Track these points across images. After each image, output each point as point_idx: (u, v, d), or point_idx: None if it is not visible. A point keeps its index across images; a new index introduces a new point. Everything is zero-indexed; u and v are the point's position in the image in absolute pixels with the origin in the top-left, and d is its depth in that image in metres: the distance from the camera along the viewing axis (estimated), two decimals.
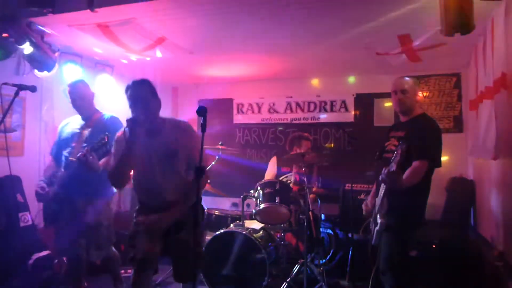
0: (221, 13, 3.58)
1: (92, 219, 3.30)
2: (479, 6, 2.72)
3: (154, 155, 2.80)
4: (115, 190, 3.66)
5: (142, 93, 2.80)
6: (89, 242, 3.37)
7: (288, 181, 4.76)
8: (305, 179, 4.27)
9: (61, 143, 3.50)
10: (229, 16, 3.70)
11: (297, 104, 6.30)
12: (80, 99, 3.49)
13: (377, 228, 2.99)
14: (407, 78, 3.20)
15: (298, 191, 4.59)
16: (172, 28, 4.02)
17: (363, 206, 3.38)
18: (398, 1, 3.33)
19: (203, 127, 2.75)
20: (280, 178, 4.80)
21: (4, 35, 3.53)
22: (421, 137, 2.94)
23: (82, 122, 3.50)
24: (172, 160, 2.82)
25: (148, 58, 4.83)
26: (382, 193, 2.95)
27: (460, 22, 2.58)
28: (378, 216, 2.99)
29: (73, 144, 3.36)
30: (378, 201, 3.06)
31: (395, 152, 2.76)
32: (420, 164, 2.88)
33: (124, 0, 3.30)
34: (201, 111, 2.76)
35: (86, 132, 3.40)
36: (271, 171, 5.22)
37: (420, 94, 3.18)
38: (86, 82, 3.66)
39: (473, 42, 4.08)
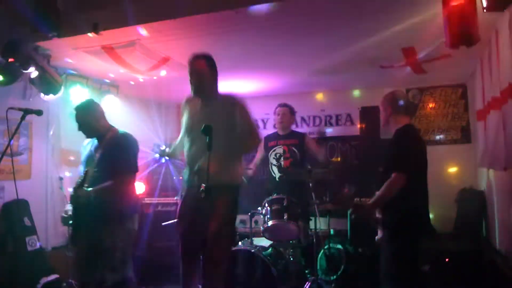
0: (223, 32, 3.62)
1: (107, 241, 3.19)
2: (483, 17, 2.72)
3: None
4: (136, 208, 3.55)
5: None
6: (103, 265, 3.24)
7: (277, 154, 4.68)
8: (296, 150, 4.24)
9: (83, 164, 3.43)
10: (231, 35, 3.73)
11: (302, 118, 6.29)
12: (84, 124, 3.36)
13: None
14: (388, 95, 3.23)
15: (291, 165, 4.53)
16: (175, 48, 4.05)
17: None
18: (401, 14, 3.34)
19: (209, 146, 2.76)
20: (269, 153, 4.76)
21: (10, 60, 3.56)
22: (390, 151, 3.01)
23: (96, 143, 3.39)
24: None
25: (154, 77, 4.86)
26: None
27: (465, 34, 2.57)
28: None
29: (87, 168, 3.28)
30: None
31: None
32: (394, 176, 2.85)
33: (128, 22, 3.33)
34: (207, 130, 2.78)
35: (98, 155, 3.30)
36: (257, 155, 5.06)
37: (386, 107, 3.18)
38: (90, 103, 3.51)
39: (478, 53, 4.06)
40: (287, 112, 4.73)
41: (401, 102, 3.12)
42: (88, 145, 3.47)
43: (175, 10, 3.26)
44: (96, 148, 3.35)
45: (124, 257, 3.35)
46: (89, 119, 3.34)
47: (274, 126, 5.09)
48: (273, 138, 4.86)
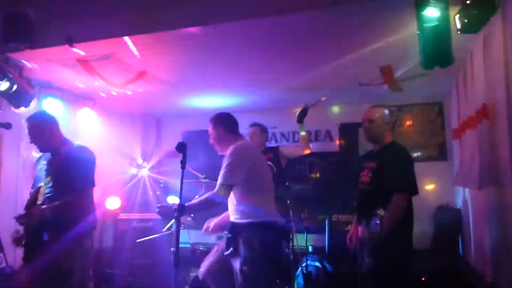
0: (201, 48, 3.59)
1: (64, 262, 2.99)
2: (458, 38, 2.76)
3: None
4: (95, 225, 3.34)
5: None
6: None
7: None
8: (272, 164, 4.21)
9: (35, 181, 3.25)
10: (209, 50, 3.70)
11: (282, 134, 6.27)
12: (37, 136, 3.13)
13: (365, 264, 2.92)
14: (377, 108, 3.15)
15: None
16: (152, 62, 4.00)
17: (348, 240, 3.30)
18: (378, 33, 3.37)
19: (183, 164, 2.71)
20: None
21: None
22: (395, 169, 2.90)
23: (49, 156, 3.19)
24: None
25: (129, 92, 4.79)
26: (366, 230, 2.91)
27: (439, 55, 2.59)
28: (364, 252, 2.92)
29: (40, 185, 3.10)
30: (363, 231, 3.00)
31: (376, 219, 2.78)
32: (401, 197, 2.83)
33: (103, 35, 3.27)
34: (180, 148, 2.73)
35: (52, 170, 3.09)
36: None
37: (388, 122, 3.11)
38: (42, 114, 3.26)
39: (454, 72, 4.13)
40: (257, 131, 4.70)
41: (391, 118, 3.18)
42: (41, 159, 3.27)
43: (151, 24, 3.21)
44: (50, 163, 3.15)
45: (83, 279, 3.13)
46: (41, 132, 3.12)
47: None
48: None
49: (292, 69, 4.38)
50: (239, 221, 2.96)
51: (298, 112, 4.67)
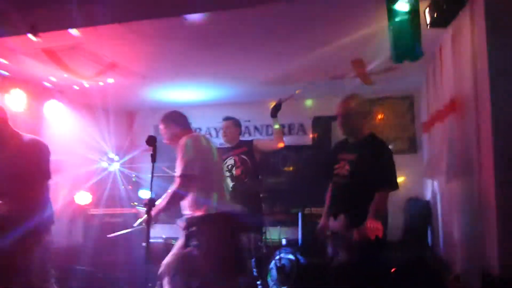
0: (171, 38, 3.52)
1: (21, 259, 2.83)
2: (427, 33, 2.79)
3: None
4: (53, 218, 3.17)
5: None
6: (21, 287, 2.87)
7: (229, 166, 4.64)
8: (246, 157, 4.32)
9: None
10: (179, 42, 3.63)
11: (256, 127, 6.27)
12: None
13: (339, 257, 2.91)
14: (352, 98, 3.04)
15: (242, 173, 4.50)
16: (123, 54, 3.90)
17: (318, 232, 3.22)
18: (350, 27, 3.38)
19: (153, 157, 2.68)
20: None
21: None
22: (382, 164, 2.83)
23: None
24: None
25: (101, 83, 4.66)
26: (339, 223, 2.91)
27: (409, 49, 2.62)
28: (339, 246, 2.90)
29: None
30: (339, 226, 2.95)
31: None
32: (384, 194, 2.80)
33: (70, 24, 3.15)
34: (150, 141, 2.69)
35: (5, 162, 2.92)
36: None
37: (366, 112, 3.05)
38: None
39: (425, 66, 4.20)
40: (230, 125, 4.70)
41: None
42: None
43: (120, 14, 3.11)
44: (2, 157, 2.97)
45: (44, 275, 3.01)
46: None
47: None
48: (224, 152, 4.82)
49: (264, 63, 4.36)
50: (194, 214, 2.98)
51: (271, 107, 4.67)
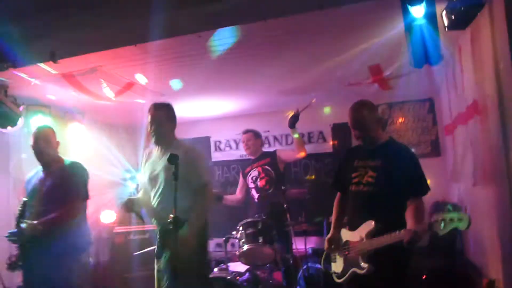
0: (188, 56, 3.56)
1: (62, 278, 2.99)
2: (446, 35, 2.75)
3: None
4: (91, 239, 3.39)
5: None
6: None
7: (254, 177, 4.65)
8: (270, 168, 4.34)
9: (27, 200, 3.24)
10: (196, 58, 3.66)
11: (275, 137, 6.25)
12: (44, 142, 3.25)
13: (358, 271, 2.71)
14: (362, 104, 2.89)
15: (266, 184, 4.52)
16: (140, 73, 3.95)
17: (327, 243, 3.03)
18: (366, 33, 3.35)
19: (175, 175, 2.67)
20: (246, 179, 4.77)
21: None
22: (408, 169, 2.67)
23: (41, 175, 3.26)
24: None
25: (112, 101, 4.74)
26: (363, 230, 2.70)
27: (428, 54, 2.58)
28: (359, 258, 2.71)
29: (33, 203, 3.13)
30: (354, 235, 2.80)
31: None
32: (421, 201, 2.66)
33: (87, 49, 3.22)
34: (172, 159, 2.69)
35: (45, 187, 3.16)
36: (238, 187, 5.03)
37: (379, 117, 2.93)
38: (53, 129, 3.44)
39: (444, 68, 4.12)
40: (251, 137, 4.74)
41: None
42: (32, 179, 3.33)
43: (135, 36, 3.17)
44: (42, 180, 3.22)
45: None
46: (47, 140, 3.27)
47: None
48: (247, 165, 4.87)
49: (280, 74, 4.36)
50: None
51: (289, 117, 4.67)
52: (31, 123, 4.34)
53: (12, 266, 3.11)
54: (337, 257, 2.95)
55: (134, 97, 4.46)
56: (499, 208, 2.89)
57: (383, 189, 2.69)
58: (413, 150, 5.47)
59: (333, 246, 2.97)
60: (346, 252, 2.85)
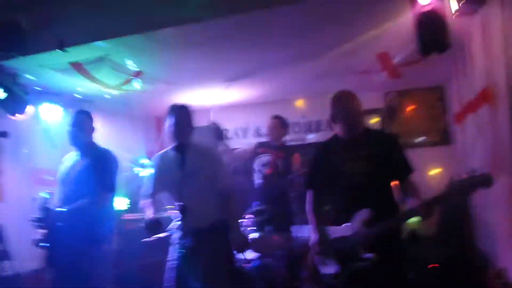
0: (198, 43, 3.53)
1: (86, 263, 3.05)
2: (455, 21, 2.70)
3: None
4: (113, 228, 3.41)
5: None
6: None
7: (262, 161, 4.63)
8: (281, 163, 4.33)
9: (59, 182, 3.30)
10: (206, 45, 3.64)
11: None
12: (79, 126, 3.24)
13: (360, 264, 2.56)
14: (347, 93, 2.81)
15: (272, 175, 4.49)
16: (148, 62, 3.96)
17: (317, 247, 2.74)
18: (373, 20, 3.31)
19: (173, 171, 2.72)
20: (255, 158, 4.70)
21: None
22: (396, 153, 2.67)
23: (76, 159, 3.26)
24: None
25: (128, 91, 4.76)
26: (359, 220, 2.59)
27: (436, 41, 2.54)
28: (360, 250, 2.57)
29: (63, 186, 3.19)
30: (346, 229, 2.65)
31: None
32: (413, 180, 2.62)
33: (94, 37, 3.23)
34: (179, 149, 2.74)
35: (76, 171, 3.18)
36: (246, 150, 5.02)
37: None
38: (91, 115, 3.43)
39: (454, 55, 4.06)
40: (277, 124, 4.68)
41: None
42: (65, 161, 3.34)
43: (143, 24, 3.17)
44: (76, 164, 3.23)
45: (104, 279, 3.23)
46: (88, 127, 3.30)
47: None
48: (263, 145, 4.79)
49: (289, 61, 4.32)
50: None
51: None
52: (40, 111, 4.38)
53: (38, 242, 3.16)
54: (326, 260, 2.72)
55: (142, 86, 4.46)
56: (510, 197, 2.86)
57: (370, 177, 2.62)
58: (422, 138, 5.49)
59: (322, 250, 2.73)
60: (342, 249, 2.66)
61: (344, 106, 2.73)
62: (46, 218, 3.05)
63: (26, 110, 3.85)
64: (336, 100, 2.80)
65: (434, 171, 5.35)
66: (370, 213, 2.56)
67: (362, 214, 2.59)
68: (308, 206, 2.86)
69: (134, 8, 3.22)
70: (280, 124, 4.69)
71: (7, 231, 4.21)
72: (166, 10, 3.11)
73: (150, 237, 4.62)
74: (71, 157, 3.34)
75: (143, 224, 5.28)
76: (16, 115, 3.81)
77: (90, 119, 3.36)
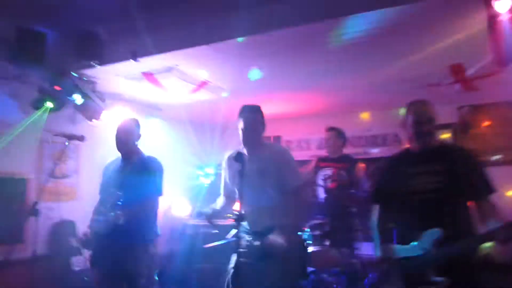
0: (262, 55, 3.58)
1: (131, 266, 3.12)
2: None
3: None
4: (159, 231, 3.44)
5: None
6: None
7: (326, 175, 4.56)
8: (345, 174, 4.25)
9: (104, 186, 3.41)
10: (270, 58, 3.69)
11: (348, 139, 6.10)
12: (125, 132, 3.30)
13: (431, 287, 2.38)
14: (423, 103, 2.66)
15: (338, 188, 4.41)
16: (214, 72, 4.08)
17: (381, 264, 2.61)
18: (446, 30, 3.17)
19: (241, 173, 2.70)
20: (318, 173, 4.63)
21: (56, 88, 3.73)
22: (474, 171, 2.46)
23: (121, 164, 3.36)
24: None
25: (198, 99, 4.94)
26: (429, 240, 2.41)
27: None
28: (431, 272, 2.41)
29: (108, 191, 3.26)
30: (414, 249, 2.48)
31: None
32: (492, 202, 2.39)
33: (165, 48, 3.39)
34: (238, 157, 2.73)
35: (123, 177, 3.25)
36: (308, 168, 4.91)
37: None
38: (138, 122, 3.46)
39: None
40: (333, 136, 4.63)
41: None
42: (110, 166, 3.44)
43: (210, 35, 3.28)
44: (121, 170, 3.30)
45: (148, 283, 3.30)
46: (128, 132, 3.31)
47: None
48: (324, 160, 4.76)
49: (356, 72, 4.26)
50: None
51: None
52: (113, 116, 4.66)
53: (85, 243, 3.31)
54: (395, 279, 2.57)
55: (208, 95, 4.60)
56: None
57: (446, 195, 2.44)
58: (498, 156, 5.10)
59: (389, 269, 2.58)
60: (409, 270, 2.50)
61: (418, 114, 2.58)
62: (104, 222, 3.11)
63: (101, 115, 4.10)
64: (410, 107, 2.67)
65: (511, 192, 4.94)
66: (441, 233, 2.39)
67: (433, 234, 2.43)
68: (373, 222, 2.71)
69: (200, 20, 3.35)
70: (336, 135, 4.62)
71: (79, 227, 4.51)
72: (233, 22, 3.19)
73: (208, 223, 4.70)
74: (116, 161, 3.42)
75: (203, 230, 5.52)
76: (93, 120, 4.08)
77: (135, 125, 3.39)
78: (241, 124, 2.94)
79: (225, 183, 3.13)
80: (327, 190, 4.61)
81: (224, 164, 3.15)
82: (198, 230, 5.63)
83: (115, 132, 3.36)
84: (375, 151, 5.90)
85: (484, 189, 2.42)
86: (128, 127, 3.34)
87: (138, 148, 3.42)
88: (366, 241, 4.63)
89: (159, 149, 5.45)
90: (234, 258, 2.89)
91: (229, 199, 3.16)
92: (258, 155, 2.90)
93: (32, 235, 3.95)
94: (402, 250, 2.51)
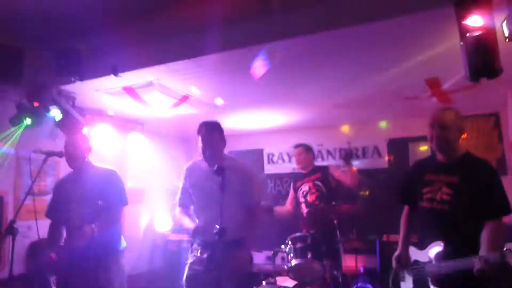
0: (239, 69, 3.61)
1: (103, 279, 3.04)
2: (507, 46, 2.58)
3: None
4: (124, 245, 3.33)
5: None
6: None
7: (304, 192, 4.61)
8: (320, 183, 4.34)
9: (57, 206, 3.27)
10: (248, 72, 3.71)
11: (328, 151, 6.17)
12: (73, 148, 3.19)
13: None
14: (449, 111, 2.67)
15: (316, 199, 4.49)
16: (196, 86, 4.09)
17: (395, 261, 2.81)
18: (422, 45, 3.25)
19: (221, 187, 2.71)
20: (297, 193, 4.72)
21: (35, 104, 3.69)
22: (488, 188, 2.43)
23: (75, 179, 3.24)
24: None
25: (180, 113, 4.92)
26: (433, 251, 2.52)
27: (485, 66, 2.43)
28: (429, 281, 2.53)
29: (63, 207, 3.16)
30: (423, 255, 2.63)
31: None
32: (501, 223, 2.38)
33: (145, 64, 3.40)
34: (219, 171, 2.74)
35: (82, 191, 3.14)
36: (288, 200, 4.99)
37: (461, 127, 2.65)
38: (85, 136, 3.46)
39: (508, 81, 3.87)
40: (302, 152, 4.75)
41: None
42: (63, 182, 3.38)
43: (189, 50, 3.30)
44: (78, 185, 3.17)
45: None
46: (76, 145, 3.21)
47: None
48: (299, 178, 4.84)
49: (334, 86, 4.31)
50: None
51: (344, 154, 4.72)
52: (93, 132, 4.62)
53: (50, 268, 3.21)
54: (406, 276, 2.76)
55: (189, 109, 4.60)
56: None
57: (458, 208, 2.47)
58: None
59: (402, 264, 2.76)
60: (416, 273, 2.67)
61: (433, 123, 2.63)
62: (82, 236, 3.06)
63: (81, 131, 4.06)
64: (435, 113, 2.69)
65: None
66: (444, 248, 2.48)
67: (437, 246, 2.53)
68: (403, 219, 2.89)
69: (180, 36, 3.36)
70: (305, 150, 4.73)
71: None
72: (213, 36, 3.22)
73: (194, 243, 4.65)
74: (69, 177, 3.34)
75: (185, 245, 5.45)
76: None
77: (83, 139, 3.33)
78: (199, 142, 3.01)
79: (182, 192, 3.16)
80: (308, 205, 4.65)
81: (183, 174, 3.19)
82: (180, 245, 5.58)
83: (64, 149, 3.23)
84: (355, 164, 5.95)
85: (499, 209, 2.41)
86: (76, 141, 3.27)
87: (90, 162, 3.32)
88: (349, 253, 4.68)
89: (140, 163, 5.45)
90: (186, 269, 3.02)
91: (185, 208, 3.17)
92: (220, 170, 2.84)
93: (9, 255, 3.86)
94: (414, 252, 2.72)
